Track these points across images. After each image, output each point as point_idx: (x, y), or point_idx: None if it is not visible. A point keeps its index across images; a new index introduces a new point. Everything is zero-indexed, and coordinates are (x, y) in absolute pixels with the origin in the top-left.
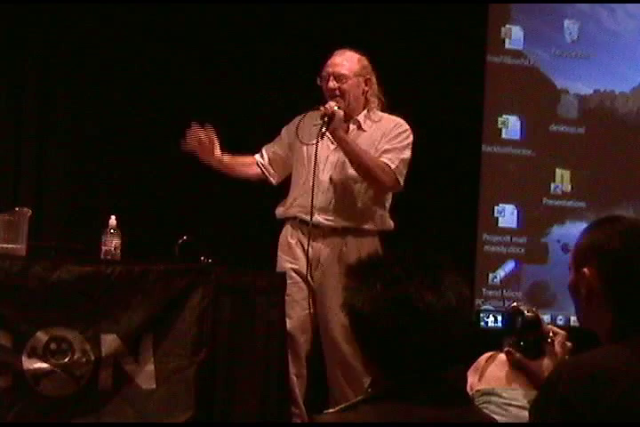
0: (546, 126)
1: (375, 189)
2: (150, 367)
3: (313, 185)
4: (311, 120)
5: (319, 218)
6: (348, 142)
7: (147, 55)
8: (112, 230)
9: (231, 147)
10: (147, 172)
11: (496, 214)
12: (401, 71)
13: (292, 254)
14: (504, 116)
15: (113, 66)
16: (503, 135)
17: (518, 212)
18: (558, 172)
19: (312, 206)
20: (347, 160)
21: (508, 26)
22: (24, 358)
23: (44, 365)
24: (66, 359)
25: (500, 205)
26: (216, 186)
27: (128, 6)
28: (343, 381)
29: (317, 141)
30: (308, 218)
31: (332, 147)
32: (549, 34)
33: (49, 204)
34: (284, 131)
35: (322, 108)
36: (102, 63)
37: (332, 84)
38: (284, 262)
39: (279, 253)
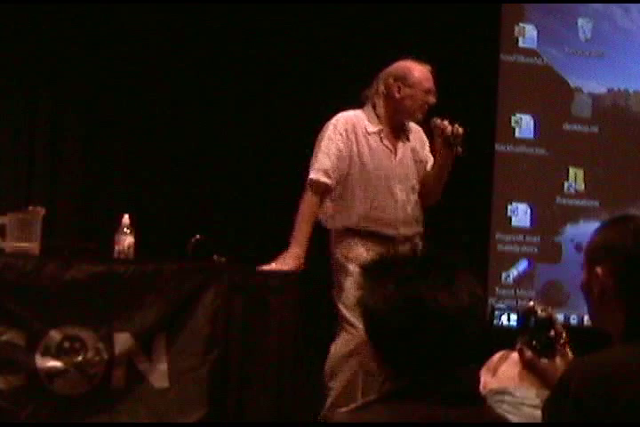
0: (559, 125)
1: (430, 203)
2: (163, 366)
3: (395, 199)
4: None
5: (404, 231)
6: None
7: (158, 58)
8: (125, 229)
9: (230, 146)
10: (158, 171)
11: (509, 213)
12: None
13: None
14: (517, 115)
15: (124, 67)
16: (517, 134)
17: (532, 211)
18: (572, 171)
19: (395, 220)
20: (411, 172)
21: (521, 24)
22: (37, 357)
23: (58, 363)
24: (79, 358)
25: (514, 204)
26: (229, 185)
27: (134, 7)
28: None
29: (449, 162)
30: (392, 232)
31: (397, 159)
32: (563, 32)
33: (60, 203)
34: (341, 145)
35: (456, 129)
36: (114, 64)
37: (434, 99)
38: None
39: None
